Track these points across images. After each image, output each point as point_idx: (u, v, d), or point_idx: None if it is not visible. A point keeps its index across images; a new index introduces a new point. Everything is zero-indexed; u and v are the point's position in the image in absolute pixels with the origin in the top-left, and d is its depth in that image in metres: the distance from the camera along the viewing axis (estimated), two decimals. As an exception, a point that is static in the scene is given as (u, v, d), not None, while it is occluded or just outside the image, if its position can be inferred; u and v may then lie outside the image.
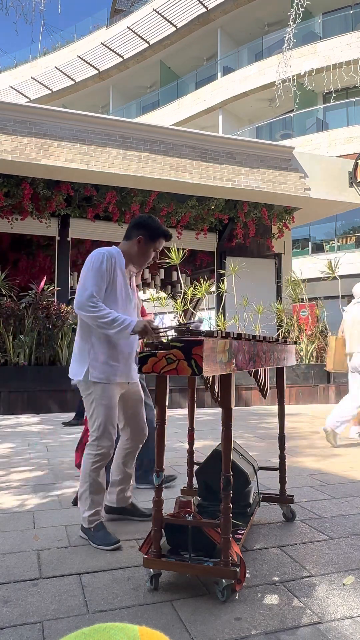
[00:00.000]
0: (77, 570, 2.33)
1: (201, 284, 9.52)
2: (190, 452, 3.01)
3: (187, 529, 2.17)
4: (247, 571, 2.30)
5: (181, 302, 9.29)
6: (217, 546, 2.15)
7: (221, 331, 2.07)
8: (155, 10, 24.02)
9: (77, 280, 12.99)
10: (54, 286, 9.13)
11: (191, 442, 3.01)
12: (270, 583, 2.20)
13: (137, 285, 3.02)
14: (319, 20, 22.48)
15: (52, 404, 7.71)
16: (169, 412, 7.77)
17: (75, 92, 29.44)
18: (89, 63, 27.76)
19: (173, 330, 2.32)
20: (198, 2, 23.18)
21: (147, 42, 25.62)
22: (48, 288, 8.41)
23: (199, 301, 12.31)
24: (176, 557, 2.17)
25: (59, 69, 28.56)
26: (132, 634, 0.76)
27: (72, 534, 2.75)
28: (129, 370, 2.70)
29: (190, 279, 12.77)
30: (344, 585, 2.19)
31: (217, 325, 9.77)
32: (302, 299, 10.43)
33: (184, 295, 9.44)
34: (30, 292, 8.17)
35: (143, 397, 2.91)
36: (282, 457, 3.03)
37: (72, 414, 7.61)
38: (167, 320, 14.86)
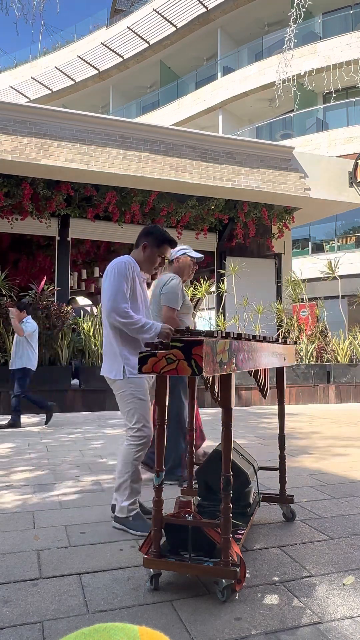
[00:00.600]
0: (77, 570, 2.33)
1: (201, 284, 9.52)
2: (191, 452, 3.01)
3: (187, 529, 2.17)
4: (247, 571, 2.30)
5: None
6: (217, 546, 2.15)
7: (221, 331, 2.07)
8: (155, 10, 24.02)
9: (77, 281, 12.99)
10: (54, 286, 9.13)
11: (191, 442, 3.01)
12: (270, 583, 2.20)
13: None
14: (319, 20, 22.48)
15: (52, 404, 7.71)
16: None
17: (75, 92, 29.43)
18: (89, 63, 27.75)
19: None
20: (198, 2, 23.18)
21: (147, 42, 25.62)
22: (48, 288, 8.41)
23: (199, 301, 12.31)
24: (176, 557, 2.17)
25: (59, 69, 28.56)
26: (132, 634, 0.76)
27: (72, 534, 2.75)
28: None
29: (190, 279, 12.76)
30: (344, 585, 2.19)
31: (217, 325, 9.77)
32: (302, 299, 10.43)
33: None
34: (30, 292, 8.17)
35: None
36: (282, 457, 3.03)
37: (72, 414, 7.60)
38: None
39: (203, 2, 23.09)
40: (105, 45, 26.43)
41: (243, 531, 2.43)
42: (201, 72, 26.40)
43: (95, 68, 27.88)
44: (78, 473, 4.09)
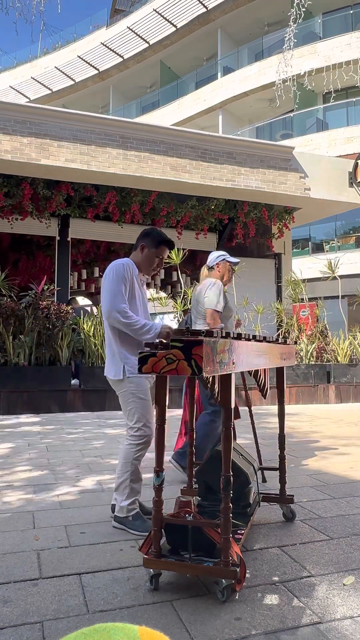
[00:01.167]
0: (77, 570, 2.33)
1: (201, 284, 9.48)
2: (191, 452, 3.01)
3: (187, 529, 2.17)
4: (247, 571, 2.30)
5: (181, 302, 9.29)
6: (217, 546, 2.15)
7: (221, 331, 2.07)
8: (155, 10, 24.02)
9: (77, 281, 12.98)
10: (54, 286, 9.12)
11: (191, 442, 3.01)
12: (270, 583, 2.20)
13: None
14: (319, 20, 22.48)
15: (52, 404, 7.71)
16: (169, 412, 7.76)
17: (75, 92, 29.44)
18: (89, 63, 27.76)
19: None
20: (198, 2, 23.18)
21: (147, 42, 25.62)
22: (48, 288, 8.41)
23: (199, 301, 12.29)
24: (176, 557, 2.17)
25: (59, 69, 28.57)
26: (132, 634, 0.76)
27: (72, 534, 2.75)
28: None
29: (190, 279, 12.77)
30: (344, 585, 2.19)
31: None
32: (302, 299, 10.43)
33: (184, 295, 9.44)
34: (30, 292, 8.17)
35: None
36: (282, 457, 3.03)
37: (72, 414, 7.61)
38: (167, 321, 14.85)
39: (203, 2, 23.09)
40: (105, 45, 26.44)
41: (243, 531, 2.43)
42: (201, 72, 26.40)
43: (95, 68, 27.89)
44: (78, 473, 4.09)
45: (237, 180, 9.44)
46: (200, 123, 24.16)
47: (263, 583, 2.20)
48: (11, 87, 30.07)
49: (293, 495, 2.95)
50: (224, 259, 4.16)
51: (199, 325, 4.06)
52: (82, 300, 13.49)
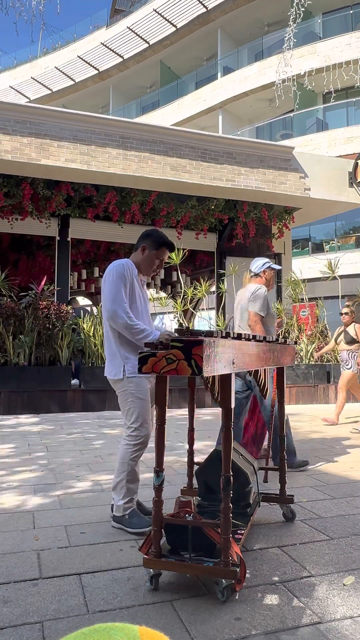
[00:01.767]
0: (77, 570, 2.33)
1: (201, 284, 9.51)
2: (190, 452, 3.01)
3: (187, 529, 2.17)
4: (247, 571, 2.30)
5: (181, 302, 9.29)
6: (217, 546, 2.15)
7: (221, 331, 2.07)
8: (155, 10, 24.02)
9: (77, 281, 12.97)
10: (54, 286, 9.12)
11: (191, 442, 3.01)
12: (270, 583, 2.20)
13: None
14: (319, 20, 22.47)
15: (52, 404, 7.72)
16: (169, 412, 7.77)
17: (75, 92, 29.43)
18: (89, 63, 27.75)
19: None
20: (198, 2, 23.17)
21: (147, 42, 25.62)
22: (48, 288, 8.41)
23: (199, 301, 12.31)
24: (176, 557, 2.17)
25: (59, 69, 28.56)
26: (132, 634, 0.76)
27: (72, 534, 2.75)
28: None
29: (190, 279, 12.77)
30: (344, 585, 2.19)
31: (217, 325, 9.77)
32: (302, 299, 10.43)
33: (184, 296, 9.44)
34: (30, 292, 8.17)
35: None
36: (282, 457, 3.03)
37: (72, 414, 7.61)
38: (167, 321, 14.86)
39: (203, 2, 23.08)
40: (105, 45, 26.43)
41: (243, 531, 2.43)
42: (201, 72, 26.40)
43: (95, 68, 27.88)
44: (78, 473, 4.09)
45: (237, 180, 9.44)
46: (200, 123, 24.15)
47: (263, 583, 2.20)
48: (11, 87, 30.06)
49: (293, 495, 2.95)
50: (269, 266, 4.39)
51: (241, 329, 4.26)
52: (82, 300, 13.49)
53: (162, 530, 2.19)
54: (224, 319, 9.78)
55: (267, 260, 4.46)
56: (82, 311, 9.76)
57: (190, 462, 3.02)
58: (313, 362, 9.37)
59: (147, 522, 2.75)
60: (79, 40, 28.51)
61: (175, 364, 1.87)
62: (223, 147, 9.40)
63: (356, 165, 10.55)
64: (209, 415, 7.43)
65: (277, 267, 4.45)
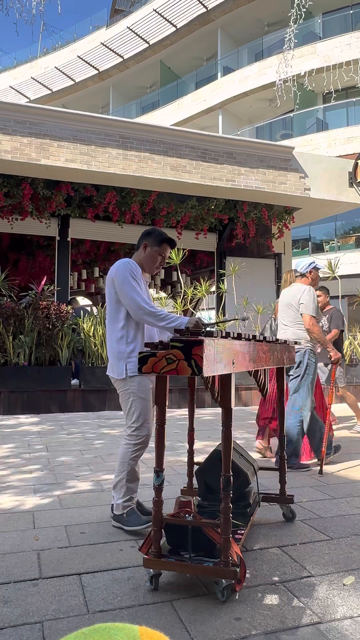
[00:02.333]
0: (77, 570, 2.33)
1: (201, 284, 9.51)
2: (190, 452, 3.02)
3: (187, 529, 2.17)
4: (247, 571, 2.30)
5: (181, 302, 9.29)
6: (217, 546, 2.15)
7: (221, 331, 2.07)
8: (155, 10, 24.02)
9: (77, 281, 12.95)
10: (54, 286, 9.12)
11: (191, 442, 3.01)
12: (270, 583, 2.20)
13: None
14: (319, 20, 22.47)
15: (52, 404, 7.72)
16: (169, 412, 7.77)
17: (75, 92, 29.43)
18: (89, 63, 27.75)
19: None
20: (198, 2, 23.17)
21: (147, 42, 25.62)
22: (48, 288, 8.41)
23: (199, 301, 12.31)
24: (176, 557, 2.17)
25: (59, 69, 28.56)
26: (132, 634, 0.76)
27: (72, 534, 2.75)
28: None
29: (190, 279, 12.76)
30: (344, 585, 2.19)
31: (218, 325, 9.76)
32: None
33: (184, 295, 9.44)
34: (30, 292, 8.17)
35: None
36: (282, 457, 3.03)
37: (72, 414, 7.61)
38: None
39: (203, 2, 23.08)
40: (105, 46, 26.43)
41: (243, 531, 2.43)
42: (201, 72, 26.40)
43: (95, 68, 27.88)
44: (78, 473, 4.09)
45: (237, 180, 9.43)
46: (200, 123, 24.15)
47: (263, 583, 2.20)
48: (11, 87, 30.06)
49: (293, 495, 2.95)
50: (315, 266, 4.41)
51: (290, 329, 4.28)
52: (82, 300, 13.49)
53: (162, 530, 2.19)
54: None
55: (312, 260, 4.48)
56: (82, 311, 9.76)
57: (190, 462, 3.02)
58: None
59: (144, 520, 2.75)
60: (79, 40, 28.51)
61: (175, 364, 1.87)
62: (223, 147, 9.40)
63: (356, 165, 10.55)
64: (209, 415, 7.43)
65: (321, 266, 4.50)
